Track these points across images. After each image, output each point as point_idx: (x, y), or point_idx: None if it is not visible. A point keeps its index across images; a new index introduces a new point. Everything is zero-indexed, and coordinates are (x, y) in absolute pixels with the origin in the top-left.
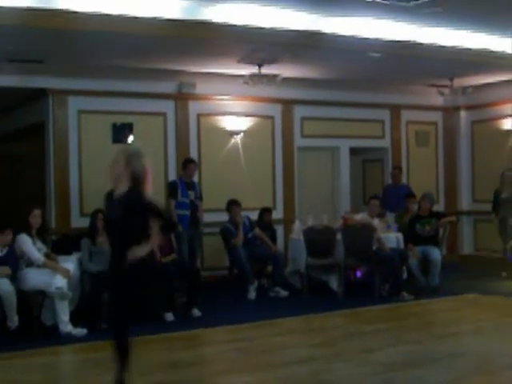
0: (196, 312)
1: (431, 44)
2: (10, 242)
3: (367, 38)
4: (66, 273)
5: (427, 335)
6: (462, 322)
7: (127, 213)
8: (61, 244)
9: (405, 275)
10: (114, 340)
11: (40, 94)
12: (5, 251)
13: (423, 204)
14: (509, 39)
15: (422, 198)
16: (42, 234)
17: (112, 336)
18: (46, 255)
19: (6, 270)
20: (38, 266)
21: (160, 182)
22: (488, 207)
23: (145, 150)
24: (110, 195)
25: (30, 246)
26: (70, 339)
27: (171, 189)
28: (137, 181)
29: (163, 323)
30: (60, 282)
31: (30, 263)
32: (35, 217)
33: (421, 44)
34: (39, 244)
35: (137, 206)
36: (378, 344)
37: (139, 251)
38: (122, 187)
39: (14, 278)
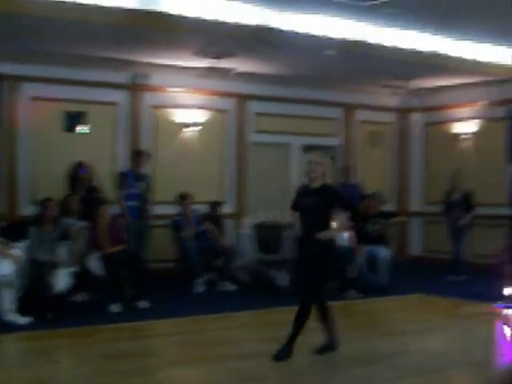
0: (143, 303)
1: (386, 45)
2: None
3: (323, 36)
4: (15, 258)
5: (374, 333)
6: (409, 321)
7: (323, 202)
8: (9, 231)
9: (354, 273)
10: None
11: None
12: None
13: (372, 203)
14: (462, 42)
15: (372, 198)
16: None
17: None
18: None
19: None
20: None
21: (110, 172)
22: (438, 209)
23: (96, 139)
24: (304, 188)
25: None
26: (15, 327)
27: (120, 179)
28: (324, 177)
29: (109, 314)
30: (6, 269)
31: None
32: None
33: (376, 44)
34: None
35: (332, 198)
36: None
37: (329, 233)
38: (317, 183)
39: None
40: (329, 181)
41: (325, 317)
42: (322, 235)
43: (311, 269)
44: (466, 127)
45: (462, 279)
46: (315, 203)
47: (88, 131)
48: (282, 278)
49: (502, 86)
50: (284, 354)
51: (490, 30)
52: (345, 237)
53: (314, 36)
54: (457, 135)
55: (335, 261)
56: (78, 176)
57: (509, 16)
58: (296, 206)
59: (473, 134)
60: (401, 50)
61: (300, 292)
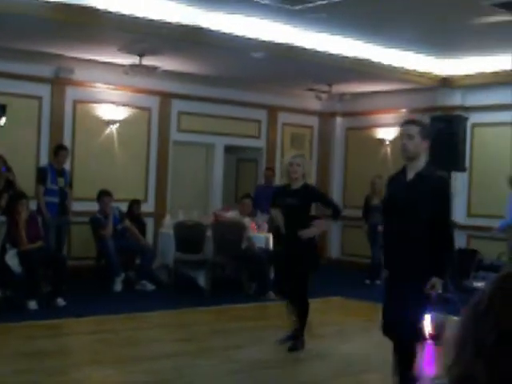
0: (60, 301)
1: (312, 49)
2: None
3: (250, 38)
4: None
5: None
6: (327, 324)
7: (304, 202)
8: None
9: (272, 275)
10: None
11: None
12: None
13: None
14: (387, 50)
15: None
16: None
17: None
18: None
19: None
20: None
21: (31, 167)
22: (357, 213)
23: (18, 132)
24: (284, 188)
25: None
26: None
27: (40, 175)
28: (305, 177)
29: (26, 311)
30: None
31: None
32: None
33: (302, 48)
34: None
35: (314, 197)
36: (242, 342)
37: (311, 231)
38: (298, 183)
39: None
40: (309, 181)
41: (306, 311)
42: (305, 233)
43: (297, 266)
44: (387, 133)
45: (380, 283)
46: (297, 203)
47: (2, 125)
48: (203, 279)
49: (425, 93)
50: (298, 344)
51: (414, 39)
52: (262, 239)
53: (241, 37)
54: (377, 141)
55: (315, 255)
56: None
57: (433, 25)
58: (274, 205)
59: (393, 140)
60: (325, 54)
61: (287, 288)
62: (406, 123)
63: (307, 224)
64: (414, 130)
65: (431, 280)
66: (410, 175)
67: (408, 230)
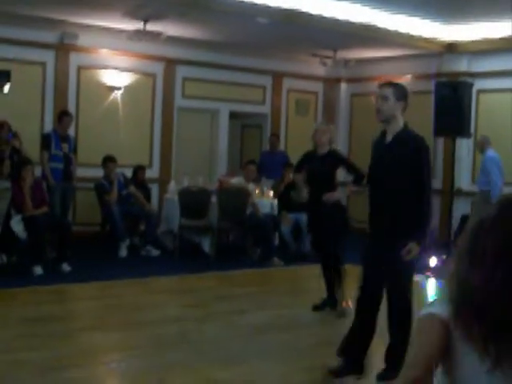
0: (65, 267)
1: (317, 14)
2: None
3: (255, 3)
4: None
5: (296, 300)
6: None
7: (329, 167)
8: None
9: (277, 241)
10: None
11: None
12: None
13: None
14: (392, 15)
15: None
16: None
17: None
18: None
19: None
20: None
21: (35, 133)
22: None
23: (22, 99)
24: (311, 153)
25: None
26: None
27: (45, 141)
28: (331, 144)
29: (31, 277)
30: None
31: None
32: None
33: (307, 13)
34: None
35: (338, 162)
36: (248, 307)
37: (335, 195)
38: (324, 149)
39: None
40: (334, 146)
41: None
42: (328, 196)
43: (326, 229)
44: None
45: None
46: (322, 169)
47: (6, 92)
48: (207, 244)
49: (430, 59)
50: (331, 304)
51: (420, 4)
52: (267, 204)
53: (247, 2)
54: None
55: (344, 217)
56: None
57: None
58: (298, 169)
59: None
60: (331, 20)
61: (319, 251)
62: (379, 86)
63: (332, 189)
64: (388, 91)
65: (408, 245)
66: (389, 138)
67: (391, 192)
